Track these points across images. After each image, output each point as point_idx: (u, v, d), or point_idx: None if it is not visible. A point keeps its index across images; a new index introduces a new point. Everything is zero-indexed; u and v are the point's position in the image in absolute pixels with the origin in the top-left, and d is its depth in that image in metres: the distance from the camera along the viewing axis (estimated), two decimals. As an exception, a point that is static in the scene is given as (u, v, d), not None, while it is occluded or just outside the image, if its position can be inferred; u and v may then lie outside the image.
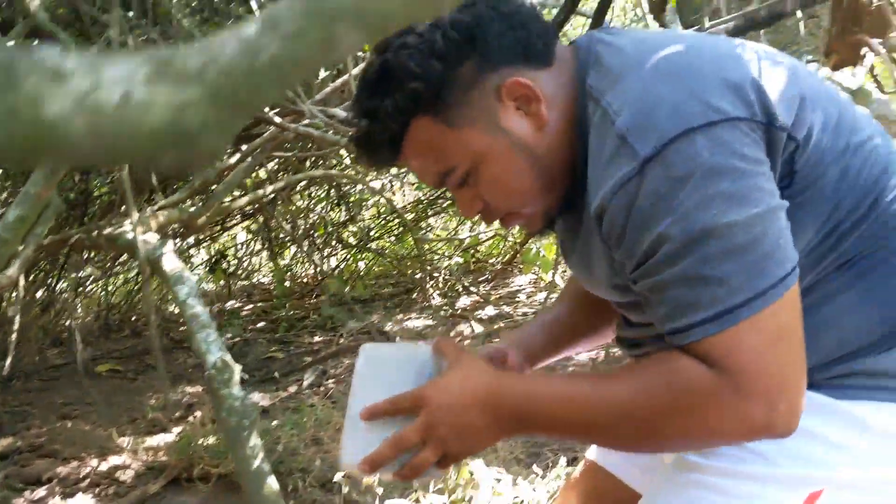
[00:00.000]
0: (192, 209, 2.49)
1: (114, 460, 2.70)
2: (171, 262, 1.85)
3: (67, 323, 4.55)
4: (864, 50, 2.94)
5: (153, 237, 1.95)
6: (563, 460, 2.46)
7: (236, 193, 2.87)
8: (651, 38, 1.01)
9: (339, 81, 2.52)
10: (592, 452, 1.43)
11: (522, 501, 2.23)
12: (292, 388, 3.80)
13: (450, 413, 0.98)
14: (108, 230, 1.93)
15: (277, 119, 2.31)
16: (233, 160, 2.66)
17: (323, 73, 2.65)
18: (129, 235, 1.97)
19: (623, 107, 0.92)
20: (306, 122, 2.34)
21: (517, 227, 1.13)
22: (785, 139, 0.91)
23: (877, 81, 3.07)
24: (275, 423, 2.98)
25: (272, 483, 1.65)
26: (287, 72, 0.40)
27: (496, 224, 1.13)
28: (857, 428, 0.97)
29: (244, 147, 2.63)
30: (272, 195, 3.44)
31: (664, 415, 0.92)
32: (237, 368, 1.64)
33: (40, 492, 2.48)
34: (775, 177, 0.92)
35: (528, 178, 1.01)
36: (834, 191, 0.95)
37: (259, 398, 3.50)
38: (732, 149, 0.87)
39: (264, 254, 6.02)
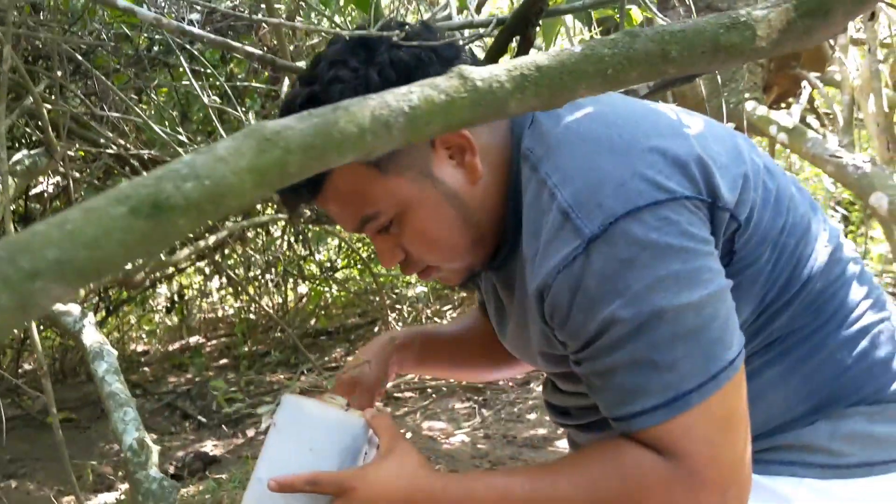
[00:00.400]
0: (129, 268, 2.45)
1: (56, 523, 2.65)
2: (90, 336, 1.81)
3: (21, 369, 4.48)
4: (804, 84, 2.96)
5: (76, 308, 1.91)
6: None
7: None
8: (590, 105, 0.96)
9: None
10: None
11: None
12: (250, 432, 3.75)
13: None
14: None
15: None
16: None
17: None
18: (54, 306, 1.93)
19: (564, 182, 0.88)
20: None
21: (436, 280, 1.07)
22: (728, 219, 0.90)
23: (817, 114, 3.10)
24: (224, 475, 2.94)
25: (192, 567, 1.61)
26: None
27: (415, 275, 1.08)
28: (779, 503, 0.98)
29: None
30: (215, 244, 3.40)
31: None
32: (155, 449, 1.61)
33: (-24, 562, 2.42)
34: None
35: (457, 232, 0.97)
36: (770, 271, 0.95)
37: (211, 447, 3.45)
38: (680, 228, 0.85)
39: (230, 288, 5.97)
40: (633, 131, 0.90)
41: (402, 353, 1.29)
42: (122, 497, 2.72)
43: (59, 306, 1.95)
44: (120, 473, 3.17)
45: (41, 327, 4.52)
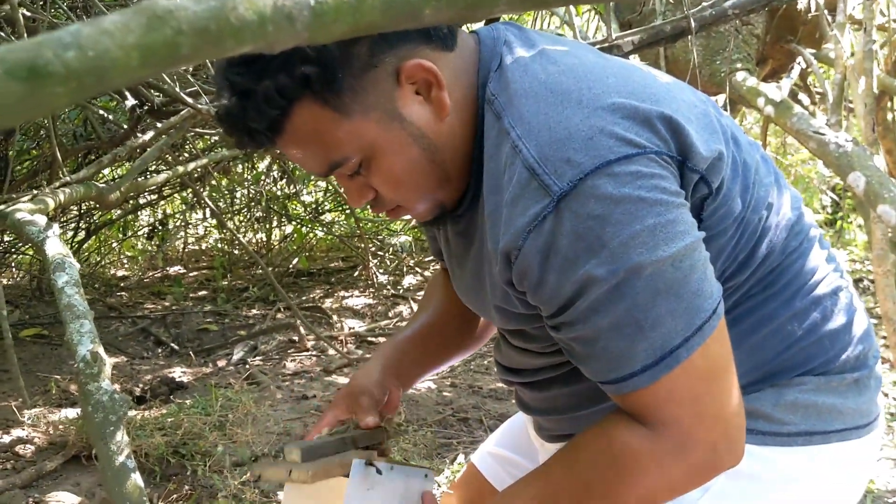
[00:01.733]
0: (104, 186, 2.44)
1: (16, 433, 2.67)
2: (53, 248, 1.81)
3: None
4: (799, 60, 2.94)
5: (41, 219, 1.90)
6: (461, 457, 2.48)
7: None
8: (559, 57, 0.93)
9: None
10: (475, 456, 1.43)
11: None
12: (221, 363, 3.78)
13: None
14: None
15: (189, 99, 2.26)
16: (147, 136, 2.61)
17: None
18: (19, 216, 1.92)
19: (529, 135, 0.85)
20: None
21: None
22: (697, 181, 0.88)
23: (808, 90, 3.08)
24: (188, 401, 2.96)
25: (136, 479, 1.63)
26: None
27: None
28: None
29: (159, 124, 2.58)
30: (196, 171, 3.38)
31: (615, 490, 0.90)
32: (108, 362, 1.61)
33: (-67, 464, 2.45)
34: None
35: (424, 172, 0.94)
36: (733, 248, 0.94)
37: (180, 374, 3.48)
38: (652, 182, 0.82)
39: (214, 221, 5.96)
40: (602, 86, 0.87)
41: (393, 372, 1.26)
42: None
43: (24, 216, 1.94)
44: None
45: (21, 245, 4.52)
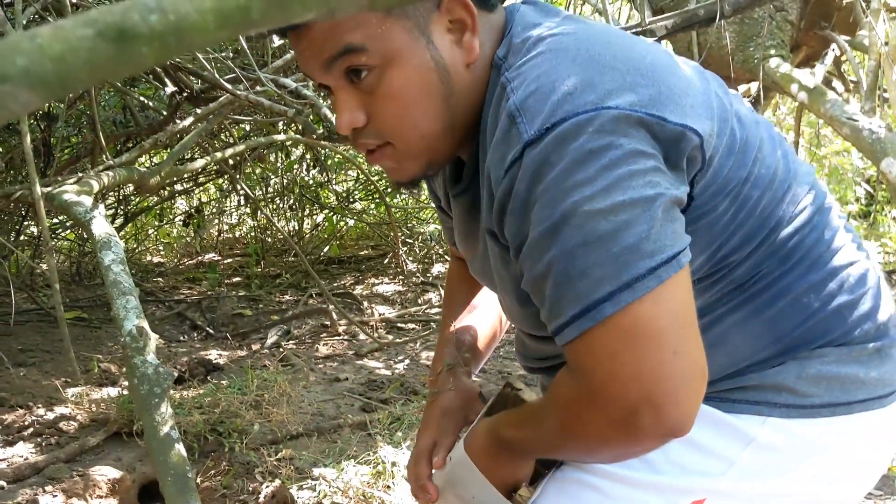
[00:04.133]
0: (145, 170, 2.51)
1: (60, 410, 2.76)
2: (100, 227, 1.87)
3: (39, 269, 4.59)
4: (833, 46, 2.92)
5: (87, 200, 1.96)
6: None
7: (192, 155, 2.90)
8: (566, 22, 0.94)
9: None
10: None
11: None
12: (255, 346, 3.86)
13: None
14: (46, 189, 1.95)
15: (228, 86, 2.31)
16: (187, 122, 2.67)
17: (279, 41, 2.67)
18: (67, 196, 1.99)
19: (521, 85, 0.87)
20: (259, 89, 2.36)
21: (382, 167, 1.00)
22: (690, 149, 0.87)
23: (843, 78, 3.06)
24: (224, 382, 3.03)
25: (180, 449, 1.69)
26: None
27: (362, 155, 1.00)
28: (741, 441, 1.00)
29: (199, 110, 2.65)
30: (234, 158, 3.45)
31: (555, 433, 0.94)
32: (153, 337, 1.67)
33: (-19, 438, 2.54)
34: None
35: (435, 106, 0.92)
36: (728, 223, 0.94)
37: (216, 356, 3.55)
38: (611, 138, 0.82)
39: (247, 209, 6.05)
40: (601, 49, 0.88)
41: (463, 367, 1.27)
42: (125, 392, 2.83)
43: (71, 196, 2.01)
44: (124, 370, 3.28)
45: (61, 230, 4.62)
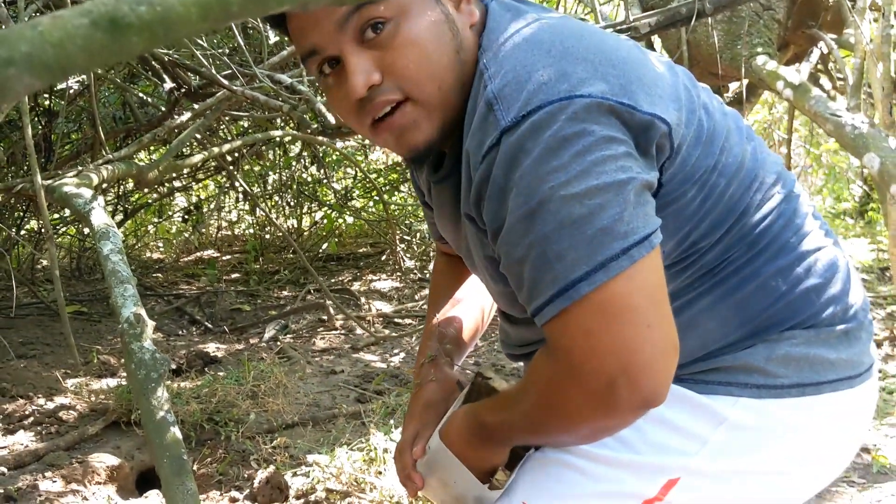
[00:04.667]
0: (144, 165, 2.56)
1: (60, 400, 2.81)
2: (99, 218, 1.92)
3: (40, 264, 4.65)
4: (820, 45, 2.97)
5: (87, 192, 2.02)
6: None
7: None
8: (541, 16, 0.99)
9: (292, 48, 2.58)
10: None
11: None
12: (253, 341, 3.91)
13: None
14: (47, 182, 2.00)
15: (225, 82, 2.36)
16: (185, 118, 2.73)
17: (275, 37, 2.72)
18: (66, 189, 2.04)
19: (497, 74, 0.91)
20: (256, 85, 2.41)
21: (394, 137, 0.99)
22: (658, 137, 0.91)
23: (830, 75, 3.10)
24: (221, 373, 3.08)
25: (175, 432, 1.73)
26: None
27: (368, 124, 0.99)
28: (713, 420, 1.03)
29: (196, 106, 2.71)
30: (231, 154, 3.50)
31: (535, 413, 0.97)
32: (150, 324, 1.72)
33: (-17, 427, 2.59)
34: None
35: (448, 58, 0.95)
36: (696, 210, 0.98)
37: (214, 349, 3.60)
38: (583, 125, 0.85)
39: (246, 206, 6.10)
40: (574, 42, 0.93)
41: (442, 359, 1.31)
42: (124, 383, 2.88)
43: (71, 189, 2.06)
44: (122, 361, 3.33)
45: (61, 226, 4.67)
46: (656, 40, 3.34)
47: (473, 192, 0.94)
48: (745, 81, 2.62)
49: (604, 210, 0.85)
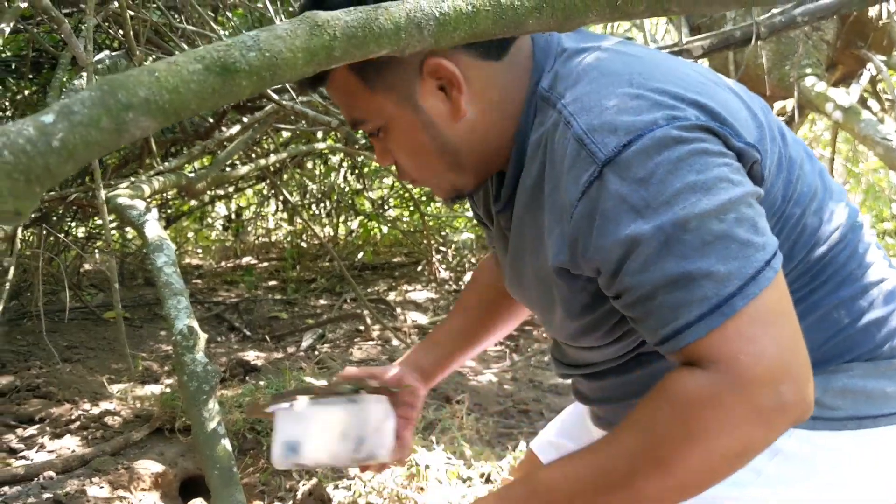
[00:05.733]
0: (192, 175, 2.60)
1: (105, 405, 2.85)
2: (153, 230, 1.96)
3: (83, 269, 4.73)
4: (869, 66, 2.93)
5: (140, 203, 2.05)
6: (522, 445, 2.57)
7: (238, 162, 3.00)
8: (611, 47, 1.00)
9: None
10: (535, 443, 1.50)
11: (489, 475, 2.35)
12: (291, 349, 3.94)
13: None
14: (102, 192, 2.05)
15: (275, 96, 2.40)
16: (234, 130, 2.77)
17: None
18: (121, 200, 2.08)
19: (580, 111, 0.91)
20: (304, 99, 2.44)
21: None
22: (751, 164, 0.91)
23: (878, 97, 3.07)
24: (262, 382, 3.11)
25: (226, 444, 1.76)
26: (78, 153, 0.49)
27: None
28: (768, 452, 0.98)
29: (245, 119, 2.75)
30: (275, 165, 3.54)
31: (678, 440, 0.87)
32: (202, 336, 1.75)
33: (31, 430, 2.64)
34: None
35: (431, 157, 1.04)
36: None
37: (253, 357, 3.64)
38: (693, 145, 0.86)
39: (284, 214, 6.16)
40: (650, 72, 0.93)
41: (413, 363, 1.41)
42: (167, 390, 2.92)
43: (125, 200, 2.10)
44: (165, 368, 3.38)
45: (102, 232, 4.76)
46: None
47: (571, 231, 0.92)
48: (795, 102, 2.60)
49: (740, 224, 0.86)
